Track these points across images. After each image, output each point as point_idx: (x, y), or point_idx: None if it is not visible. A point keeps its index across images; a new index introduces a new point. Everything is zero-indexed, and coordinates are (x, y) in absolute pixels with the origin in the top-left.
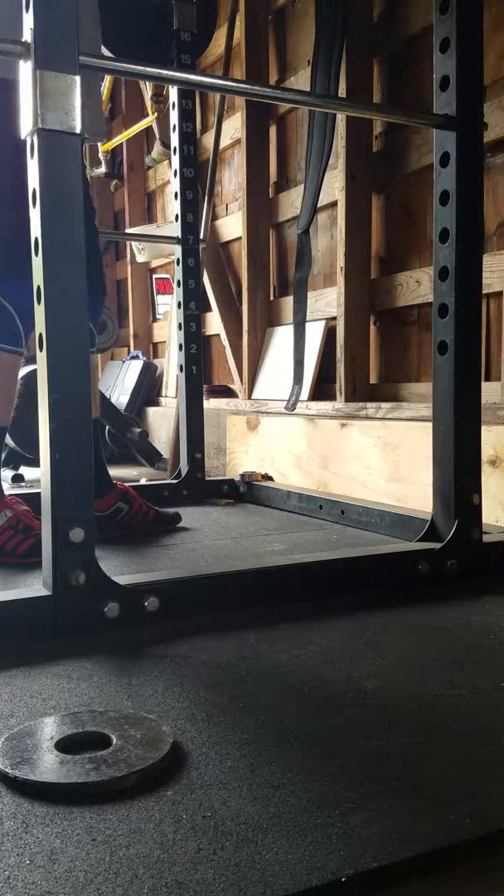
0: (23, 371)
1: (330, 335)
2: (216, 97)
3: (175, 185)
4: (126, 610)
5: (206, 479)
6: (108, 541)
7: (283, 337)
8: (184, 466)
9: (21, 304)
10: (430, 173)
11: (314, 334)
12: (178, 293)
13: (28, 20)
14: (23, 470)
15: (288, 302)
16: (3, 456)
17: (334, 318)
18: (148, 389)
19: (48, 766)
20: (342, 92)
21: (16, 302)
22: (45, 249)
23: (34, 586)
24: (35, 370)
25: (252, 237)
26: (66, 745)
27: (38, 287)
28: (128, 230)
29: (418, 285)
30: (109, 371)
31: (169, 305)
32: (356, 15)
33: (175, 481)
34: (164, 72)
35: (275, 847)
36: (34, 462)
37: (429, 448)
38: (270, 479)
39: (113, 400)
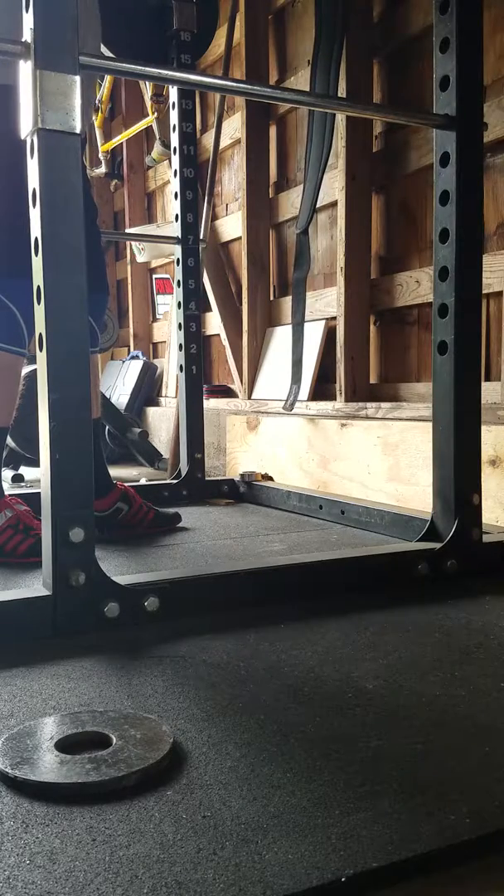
0: (24, 371)
1: (330, 335)
2: (216, 97)
3: (175, 185)
4: (126, 610)
5: (206, 479)
6: (108, 541)
7: (282, 337)
8: (184, 466)
9: (25, 304)
10: (430, 173)
11: (314, 334)
12: (177, 293)
13: (28, 20)
14: (23, 470)
15: (288, 302)
16: (4, 456)
17: (334, 318)
18: (148, 389)
19: (48, 766)
20: (342, 92)
21: (19, 302)
22: (45, 249)
23: (34, 586)
24: (35, 370)
25: (252, 237)
26: (66, 745)
27: (38, 287)
28: (128, 230)
29: (418, 285)
30: (109, 371)
31: (169, 305)
32: (356, 15)
33: (175, 481)
34: (164, 72)
35: (275, 847)
36: (34, 462)
37: (429, 448)
38: (270, 479)
39: (113, 400)
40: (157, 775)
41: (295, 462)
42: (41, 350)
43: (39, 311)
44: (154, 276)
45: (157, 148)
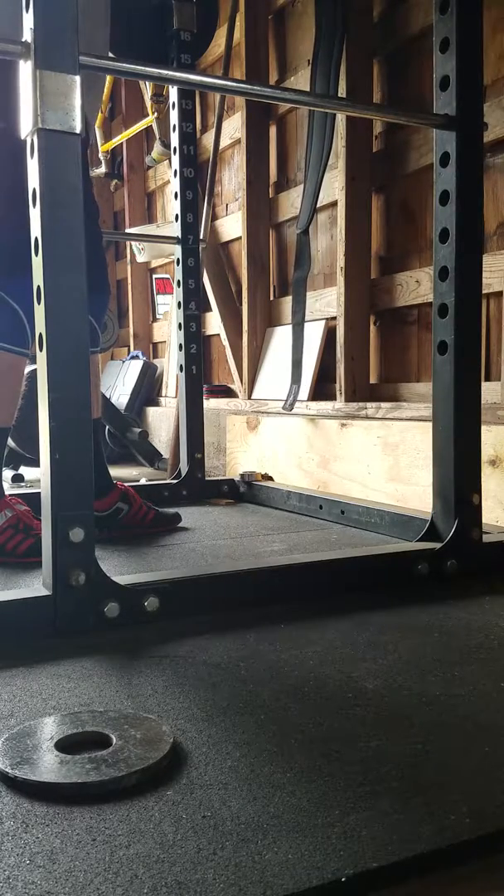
0: (26, 370)
1: (330, 335)
2: (216, 97)
3: (175, 185)
4: (126, 610)
5: (206, 478)
6: (108, 541)
7: (282, 337)
8: (184, 466)
9: (28, 303)
10: (430, 173)
11: (314, 334)
12: (177, 293)
13: (28, 20)
14: (23, 470)
15: (288, 302)
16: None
17: (334, 318)
18: (148, 389)
19: (48, 766)
20: (342, 92)
21: (22, 301)
22: (45, 249)
23: (34, 586)
24: (36, 370)
25: (252, 237)
26: (66, 745)
27: (38, 287)
28: (128, 230)
29: (418, 285)
30: (109, 371)
31: (169, 305)
32: (356, 15)
33: (175, 481)
34: (164, 72)
35: (275, 847)
36: (34, 462)
37: (429, 448)
38: (270, 479)
39: (113, 400)
40: (157, 775)
41: (295, 462)
42: (41, 350)
43: (39, 311)
44: (154, 276)
45: (157, 148)
